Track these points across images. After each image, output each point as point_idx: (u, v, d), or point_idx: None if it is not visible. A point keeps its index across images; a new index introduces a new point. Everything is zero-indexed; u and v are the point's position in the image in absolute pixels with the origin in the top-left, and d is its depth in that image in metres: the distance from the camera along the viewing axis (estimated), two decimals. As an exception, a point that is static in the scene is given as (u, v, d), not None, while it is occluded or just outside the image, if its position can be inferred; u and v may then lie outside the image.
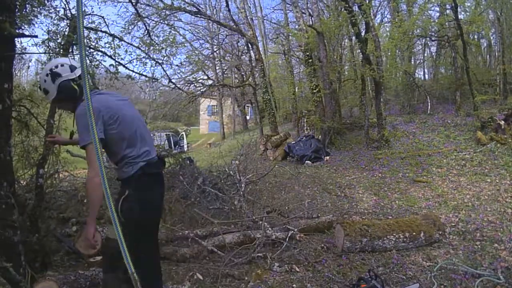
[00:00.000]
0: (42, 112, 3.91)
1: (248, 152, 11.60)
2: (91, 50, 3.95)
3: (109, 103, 1.91)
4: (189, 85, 17.36)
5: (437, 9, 13.14)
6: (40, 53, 3.95)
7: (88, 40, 3.93)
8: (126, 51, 4.61)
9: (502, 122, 7.54)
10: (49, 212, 3.75)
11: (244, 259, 3.32)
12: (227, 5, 13.71)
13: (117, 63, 4.29)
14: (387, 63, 12.62)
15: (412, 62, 17.32)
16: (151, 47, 5.11)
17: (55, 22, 3.70)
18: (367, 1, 8.14)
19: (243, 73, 22.47)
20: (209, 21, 16.72)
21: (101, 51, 4.09)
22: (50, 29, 3.68)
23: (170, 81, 7.15)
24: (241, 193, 4.83)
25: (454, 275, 2.92)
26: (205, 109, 33.05)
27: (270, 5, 48.98)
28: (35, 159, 3.66)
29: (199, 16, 12.99)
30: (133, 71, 4.72)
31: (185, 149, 18.86)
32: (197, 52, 17.65)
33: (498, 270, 2.92)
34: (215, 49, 20.68)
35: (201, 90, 17.35)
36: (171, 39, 5.64)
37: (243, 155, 6.38)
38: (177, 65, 13.19)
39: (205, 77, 19.66)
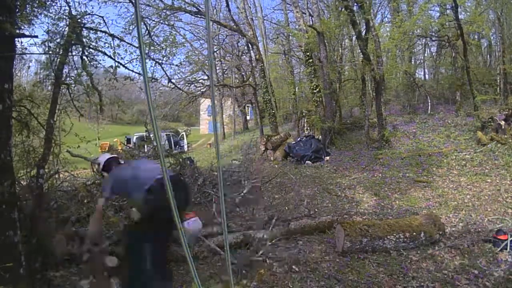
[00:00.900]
0: (43, 112, 3.92)
1: (249, 152, 11.61)
2: (91, 49, 3.95)
3: None
4: (189, 85, 17.35)
5: (437, 9, 13.11)
6: (40, 53, 3.95)
7: (87, 40, 3.93)
8: (126, 50, 4.60)
9: (503, 122, 7.53)
10: (49, 213, 3.75)
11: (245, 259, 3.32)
12: (227, 5, 13.71)
13: (116, 63, 4.29)
14: (387, 63, 12.60)
15: (413, 62, 17.30)
16: (151, 47, 5.10)
17: (55, 22, 3.70)
18: (368, 1, 8.13)
19: (243, 73, 22.45)
20: (209, 21, 16.72)
21: (101, 51, 4.09)
22: (49, 29, 3.68)
23: (170, 81, 7.14)
24: (243, 194, 4.84)
25: (456, 276, 2.93)
26: (205, 109, 33.02)
27: (270, 5, 48.87)
28: (35, 159, 3.66)
29: (199, 16, 12.97)
30: (133, 71, 4.71)
31: (185, 149, 18.87)
32: (197, 52, 17.62)
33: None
34: (215, 49, 20.65)
35: (201, 90, 17.34)
36: (171, 39, 5.63)
37: (245, 155, 6.38)
38: (177, 65, 13.18)
39: (205, 77, 19.64)
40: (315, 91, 10.81)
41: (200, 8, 11.86)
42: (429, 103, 12.88)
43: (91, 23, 4.06)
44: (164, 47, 5.27)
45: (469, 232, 3.93)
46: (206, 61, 18.99)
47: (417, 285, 2.83)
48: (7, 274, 2.27)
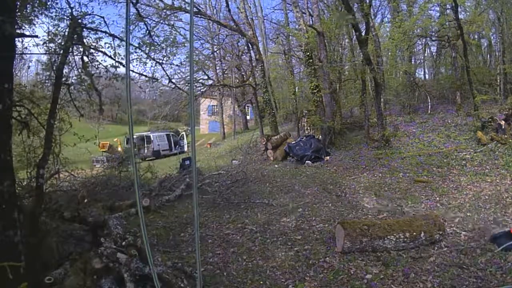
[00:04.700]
0: (43, 112, 3.92)
1: (249, 152, 11.61)
2: (91, 50, 3.95)
3: None
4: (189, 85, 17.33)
5: (437, 9, 13.11)
6: (40, 53, 3.95)
7: (88, 40, 3.93)
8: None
9: (503, 122, 7.52)
10: (49, 213, 3.75)
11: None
12: (227, 5, 13.70)
13: (117, 63, 4.28)
14: (387, 63, 12.58)
15: (413, 62, 17.27)
16: (152, 47, 5.10)
17: (56, 22, 3.70)
18: (367, 2, 8.12)
19: (243, 73, 22.42)
20: (209, 21, 16.71)
21: (101, 51, 4.09)
22: (50, 30, 3.68)
23: (170, 81, 7.14)
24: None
25: (456, 276, 2.92)
26: (205, 109, 33.02)
27: (270, 5, 48.72)
28: (35, 159, 3.66)
29: (199, 16, 12.96)
30: (133, 71, 4.72)
31: (186, 149, 18.88)
32: (197, 52, 17.61)
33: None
34: (215, 49, 20.66)
35: (201, 90, 17.33)
36: (171, 39, 5.63)
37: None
38: (177, 65, 13.18)
39: (205, 77, 19.61)
40: (315, 91, 10.80)
41: (200, 8, 11.87)
42: (429, 103, 12.86)
43: (91, 23, 4.06)
44: (164, 47, 5.27)
45: (469, 232, 3.93)
46: (207, 61, 18.97)
47: (417, 285, 2.83)
48: (8, 273, 2.27)
